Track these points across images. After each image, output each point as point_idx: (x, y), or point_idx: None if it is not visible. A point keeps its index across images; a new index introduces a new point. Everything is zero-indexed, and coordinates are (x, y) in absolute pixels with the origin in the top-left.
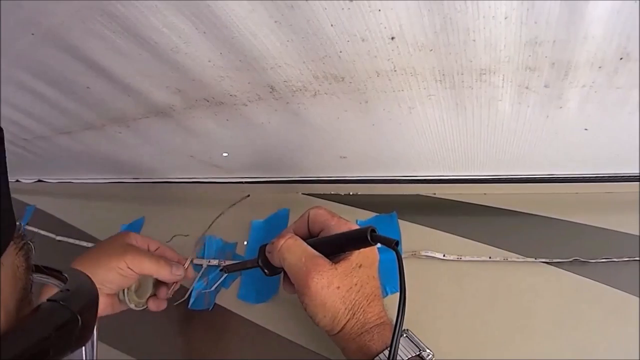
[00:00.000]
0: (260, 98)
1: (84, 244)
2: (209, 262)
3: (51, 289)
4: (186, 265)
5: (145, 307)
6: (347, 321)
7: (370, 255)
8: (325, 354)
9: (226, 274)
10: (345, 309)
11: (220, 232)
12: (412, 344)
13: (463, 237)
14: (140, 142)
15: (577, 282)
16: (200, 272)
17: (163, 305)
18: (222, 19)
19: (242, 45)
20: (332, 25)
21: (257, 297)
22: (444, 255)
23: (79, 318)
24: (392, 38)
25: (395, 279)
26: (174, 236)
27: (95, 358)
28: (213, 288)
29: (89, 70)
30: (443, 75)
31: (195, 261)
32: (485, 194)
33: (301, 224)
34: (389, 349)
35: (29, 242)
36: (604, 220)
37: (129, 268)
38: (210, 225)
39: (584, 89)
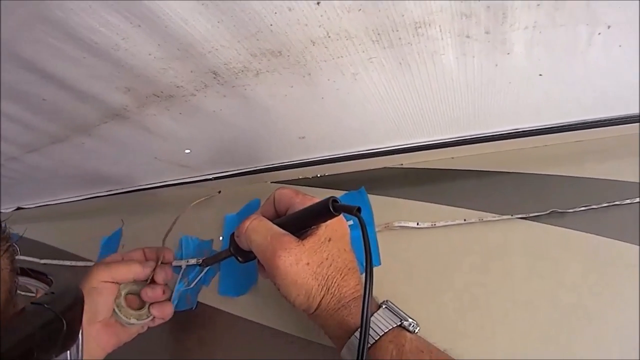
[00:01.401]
0: (206, 85)
1: (67, 263)
2: (187, 262)
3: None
4: (159, 259)
5: (150, 317)
6: (322, 297)
7: (339, 228)
8: (313, 338)
9: (206, 269)
10: (319, 285)
11: (196, 231)
12: (392, 314)
13: (435, 203)
14: (105, 149)
15: (557, 233)
16: (180, 273)
17: (168, 308)
18: (152, 9)
19: (176, 32)
20: None
21: (236, 290)
22: (417, 224)
23: (64, 320)
24: (318, 3)
25: (374, 253)
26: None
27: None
28: (193, 285)
29: (42, 81)
30: (378, 34)
31: (174, 263)
32: (452, 157)
33: (268, 207)
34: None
35: (13, 244)
36: (577, 169)
37: (101, 282)
38: (169, 230)
39: (526, 30)
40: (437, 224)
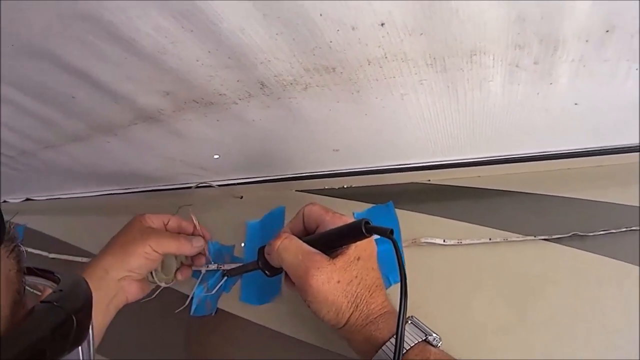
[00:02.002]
0: (250, 95)
1: (78, 259)
2: (208, 266)
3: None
4: (206, 238)
5: (174, 281)
6: (351, 314)
7: (367, 247)
8: (334, 349)
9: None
10: (348, 302)
11: (217, 235)
12: (417, 329)
13: (461, 221)
14: (129, 150)
15: (578, 256)
16: (200, 278)
17: (189, 272)
18: (208, 15)
19: (231, 41)
20: (320, 14)
21: (259, 299)
22: (444, 241)
23: (74, 318)
24: (382, 24)
25: (397, 268)
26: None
27: (92, 357)
28: (214, 291)
29: (73, 79)
30: (434, 59)
31: (194, 268)
32: (479, 176)
33: (297, 222)
34: (395, 336)
35: (19, 244)
36: (598, 193)
37: (154, 251)
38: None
39: (573, 63)
40: (463, 242)
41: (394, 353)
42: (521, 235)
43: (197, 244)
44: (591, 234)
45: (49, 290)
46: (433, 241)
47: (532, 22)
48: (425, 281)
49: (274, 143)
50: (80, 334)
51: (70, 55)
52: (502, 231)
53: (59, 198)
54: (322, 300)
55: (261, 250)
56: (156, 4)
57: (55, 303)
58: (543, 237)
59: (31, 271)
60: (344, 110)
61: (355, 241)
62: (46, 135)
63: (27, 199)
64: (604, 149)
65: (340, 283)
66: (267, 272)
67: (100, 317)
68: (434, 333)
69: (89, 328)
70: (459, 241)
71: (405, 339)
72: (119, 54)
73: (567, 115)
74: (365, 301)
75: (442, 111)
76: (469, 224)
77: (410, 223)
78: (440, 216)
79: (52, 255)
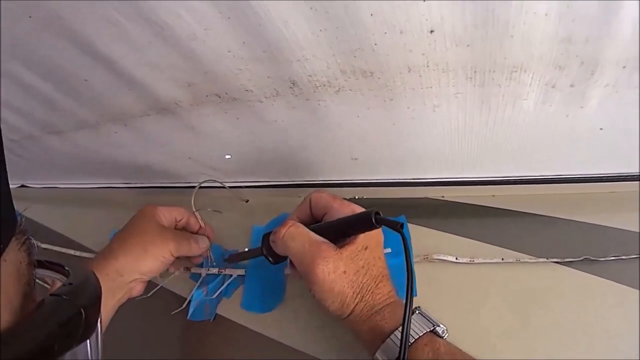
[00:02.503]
0: (278, 94)
1: (71, 252)
2: (208, 270)
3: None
4: (210, 236)
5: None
6: (356, 305)
7: (375, 236)
8: None
9: (229, 280)
10: (354, 292)
11: (220, 238)
12: (425, 319)
13: (474, 239)
14: (137, 142)
15: (588, 280)
16: (199, 281)
17: (197, 261)
18: (252, 3)
19: (270, 33)
20: (371, 14)
21: (262, 306)
22: (456, 259)
23: (83, 312)
24: (432, 31)
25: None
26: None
27: (100, 352)
28: (214, 296)
29: (89, 60)
30: (475, 72)
31: (193, 270)
32: (494, 195)
33: (303, 209)
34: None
35: (30, 237)
36: (610, 218)
37: (171, 255)
38: None
39: (606, 88)
40: (476, 261)
41: (401, 340)
42: (533, 257)
43: (203, 245)
44: (601, 259)
45: (59, 283)
46: (445, 258)
47: (577, 43)
48: (435, 297)
49: (291, 147)
50: (89, 328)
51: (91, 33)
52: (514, 252)
53: (56, 187)
54: (328, 290)
55: (266, 236)
56: None
57: (64, 296)
58: (555, 260)
59: (41, 264)
60: (372, 117)
61: (364, 231)
62: (51, 120)
63: (23, 186)
64: (620, 176)
65: (347, 273)
66: (270, 259)
67: (105, 316)
68: (442, 324)
69: (97, 322)
70: (472, 259)
71: (414, 328)
72: (145, 36)
73: (591, 139)
74: (370, 292)
75: (471, 126)
76: (482, 242)
77: (423, 238)
78: (453, 233)
79: (44, 246)
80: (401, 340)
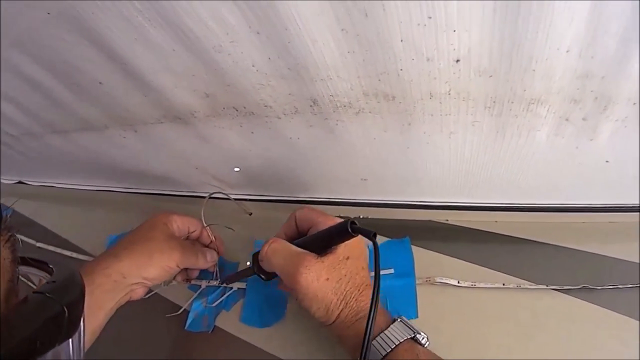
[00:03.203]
0: (297, 111)
1: (66, 252)
2: (208, 282)
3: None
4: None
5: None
6: (341, 311)
7: (357, 247)
8: None
9: (229, 292)
10: (337, 299)
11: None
12: (406, 327)
13: (476, 264)
14: (145, 148)
15: (586, 309)
16: (198, 292)
17: (194, 274)
18: (283, 20)
19: (298, 51)
20: (402, 40)
21: (261, 321)
22: (458, 282)
23: (66, 310)
24: (457, 60)
25: (412, 305)
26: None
27: (82, 351)
28: (215, 305)
29: (106, 62)
30: (494, 102)
31: (193, 282)
32: (496, 221)
33: (289, 226)
34: (383, 332)
35: (14, 234)
36: (609, 248)
37: (177, 266)
38: None
39: (616, 123)
40: (477, 285)
41: (364, 336)
42: (533, 284)
43: (212, 259)
44: (599, 287)
45: (43, 281)
46: (447, 281)
47: (594, 79)
48: (436, 319)
49: (301, 164)
50: (71, 327)
51: (112, 35)
52: (515, 278)
53: (54, 187)
54: (312, 297)
55: (255, 256)
56: None
57: (48, 294)
58: (554, 287)
59: (25, 261)
60: (388, 140)
61: (343, 241)
62: (57, 119)
63: (20, 182)
64: (621, 207)
65: (330, 280)
66: (262, 276)
67: (102, 318)
68: (422, 332)
69: (80, 321)
70: (473, 283)
71: (395, 334)
72: (168, 43)
73: (596, 171)
74: (354, 298)
75: (483, 153)
76: (484, 267)
77: (425, 261)
78: (456, 257)
79: (38, 244)
80: (364, 340)
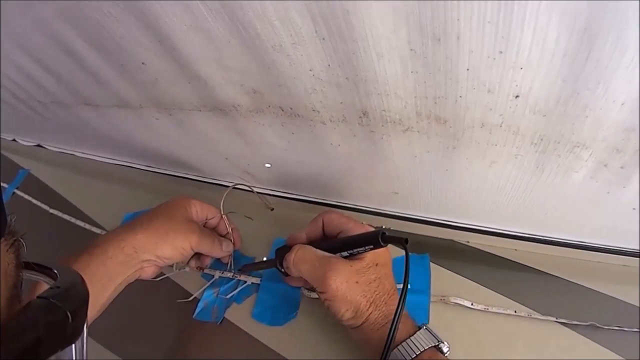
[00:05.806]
0: (344, 120)
1: (80, 223)
2: (222, 272)
3: (42, 285)
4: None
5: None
6: (370, 313)
7: (384, 255)
8: None
9: (242, 286)
10: (367, 302)
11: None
12: (431, 335)
13: (491, 289)
14: (177, 132)
15: (590, 347)
16: (211, 281)
17: (207, 262)
18: (354, 30)
19: (360, 63)
20: (468, 69)
21: (272, 319)
22: (472, 304)
23: (70, 315)
24: (517, 96)
25: (424, 321)
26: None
27: (85, 355)
28: (228, 297)
29: (154, 45)
30: (541, 139)
31: (207, 271)
32: (516, 249)
33: (314, 229)
34: (409, 339)
35: (19, 238)
36: (621, 290)
37: (191, 249)
38: None
39: None
40: (490, 309)
41: (386, 340)
42: (543, 315)
43: (227, 249)
44: (606, 327)
45: (46, 286)
46: (461, 302)
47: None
48: (447, 338)
49: (336, 170)
50: (74, 332)
51: (166, 19)
52: (526, 307)
53: (74, 154)
54: (341, 299)
55: (279, 250)
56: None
57: (51, 299)
58: (563, 321)
59: (29, 266)
60: (429, 161)
61: (372, 249)
62: (93, 94)
63: (39, 145)
64: (634, 251)
65: (359, 284)
66: (282, 269)
67: (111, 291)
68: (446, 342)
69: (84, 326)
70: (486, 307)
71: (420, 341)
72: (225, 35)
73: (621, 216)
74: (384, 302)
75: (519, 186)
76: (498, 293)
77: (442, 279)
78: (472, 280)
79: (52, 211)
80: (386, 344)
